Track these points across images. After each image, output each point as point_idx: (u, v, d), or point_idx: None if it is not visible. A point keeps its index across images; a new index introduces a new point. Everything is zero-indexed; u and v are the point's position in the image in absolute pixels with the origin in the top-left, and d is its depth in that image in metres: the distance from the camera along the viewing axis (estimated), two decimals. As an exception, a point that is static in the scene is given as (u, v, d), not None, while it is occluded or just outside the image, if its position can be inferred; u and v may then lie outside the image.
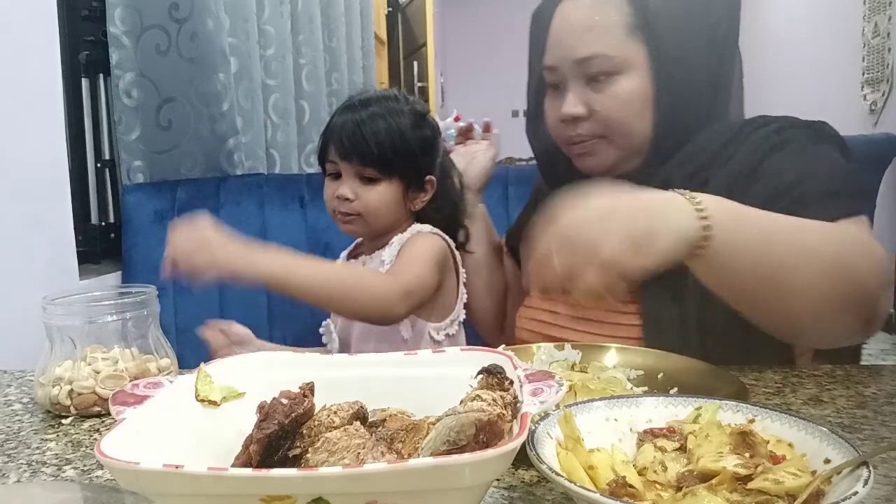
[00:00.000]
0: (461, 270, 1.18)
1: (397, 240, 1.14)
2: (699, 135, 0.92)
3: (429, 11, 4.62)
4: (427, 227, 1.16)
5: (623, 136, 0.92)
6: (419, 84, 4.80)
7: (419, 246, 1.12)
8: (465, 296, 1.19)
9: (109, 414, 0.72)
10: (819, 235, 0.74)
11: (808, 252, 0.72)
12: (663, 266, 0.65)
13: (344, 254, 1.27)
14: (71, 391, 0.73)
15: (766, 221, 0.72)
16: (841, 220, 0.78)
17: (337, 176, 1.14)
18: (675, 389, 0.70)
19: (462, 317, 1.18)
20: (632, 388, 0.70)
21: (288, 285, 0.98)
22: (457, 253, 1.17)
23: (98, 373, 0.74)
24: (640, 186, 0.70)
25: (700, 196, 0.68)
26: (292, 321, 1.54)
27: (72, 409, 0.73)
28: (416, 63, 4.78)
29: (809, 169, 0.84)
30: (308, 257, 1.01)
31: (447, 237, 1.16)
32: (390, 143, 1.12)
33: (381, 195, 1.14)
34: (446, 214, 1.20)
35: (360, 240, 1.26)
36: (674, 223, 0.66)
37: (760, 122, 0.92)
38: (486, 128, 1.31)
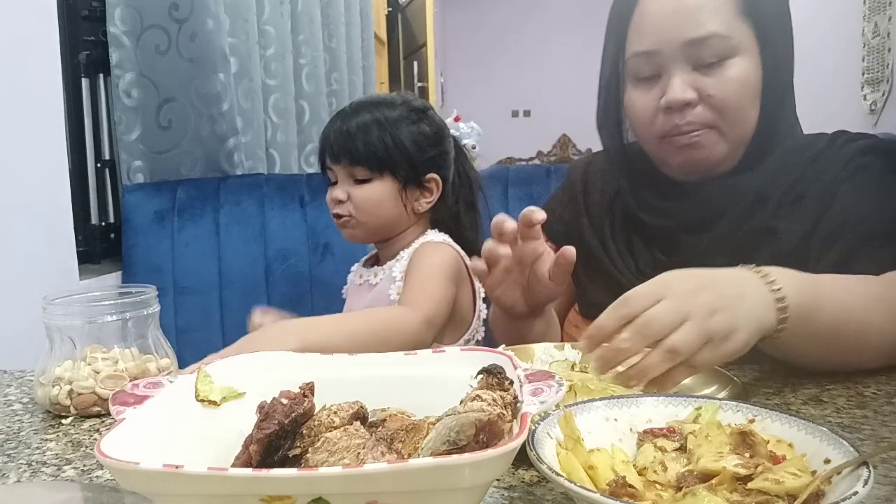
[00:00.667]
0: (477, 284, 1.12)
1: (406, 254, 1.11)
2: (785, 144, 0.89)
3: (429, 11, 4.62)
4: (438, 237, 1.12)
5: (735, 126, 0.87)
6: (419, 84, 4.80)
7: (428, 262, 1.07)
8: (484, 312, 1.14)
9: (109, 414, 0.73)
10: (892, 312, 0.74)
11: (883, 332, 0.73)
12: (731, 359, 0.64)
13: (357, 266, 1.25)
14: (70, 391, 0.73)
15: (842, 297, 0.71)
16: None
17: (336, 183, 1.13)
18: (675, 389, 0.70)
19: (480, 335, 1.13)
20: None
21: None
22: (469, 262, 1.10)
23: (98, 373, 0.74)
24: (718, 272, 0.67)
25: (777, 276, 0.66)
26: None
27: (71, 409, 0.73)
28: (416, 63, 4.78)
29: (880, 205, 0.83)
30: (332, 319, 0.92)
31: (457, 246, 1.11)
32: (378, 139, 1.09)
33: (371, 193, 1.10)
34: (455, 214, 1.16)
35: (374, 250, 1.24)
36: (752, 322, 0.63)
37: (847, 137, 0.90)
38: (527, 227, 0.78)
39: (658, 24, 0.87)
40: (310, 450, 0.46)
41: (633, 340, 0.60)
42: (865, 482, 0.41)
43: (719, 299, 0.62)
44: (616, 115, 0.95)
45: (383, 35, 4.32)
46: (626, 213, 0.96)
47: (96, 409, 0.74)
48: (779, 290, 0.66)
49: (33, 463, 0.62)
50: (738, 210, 0.87)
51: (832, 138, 0.91)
